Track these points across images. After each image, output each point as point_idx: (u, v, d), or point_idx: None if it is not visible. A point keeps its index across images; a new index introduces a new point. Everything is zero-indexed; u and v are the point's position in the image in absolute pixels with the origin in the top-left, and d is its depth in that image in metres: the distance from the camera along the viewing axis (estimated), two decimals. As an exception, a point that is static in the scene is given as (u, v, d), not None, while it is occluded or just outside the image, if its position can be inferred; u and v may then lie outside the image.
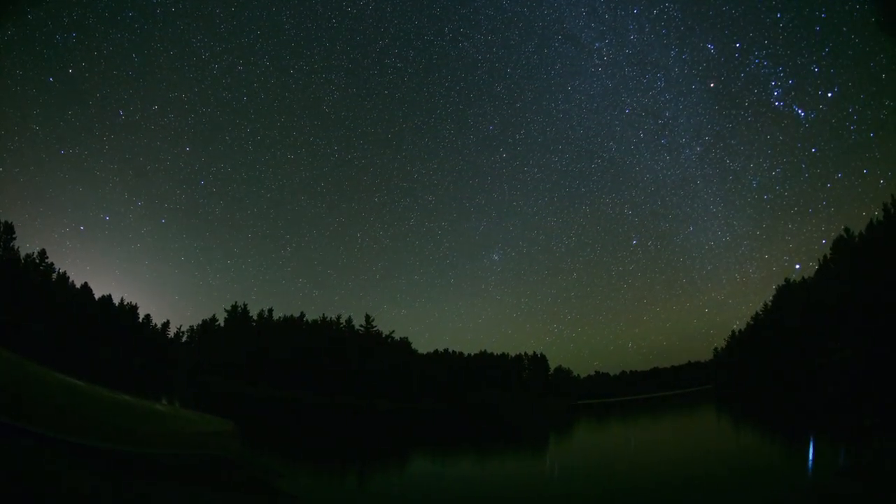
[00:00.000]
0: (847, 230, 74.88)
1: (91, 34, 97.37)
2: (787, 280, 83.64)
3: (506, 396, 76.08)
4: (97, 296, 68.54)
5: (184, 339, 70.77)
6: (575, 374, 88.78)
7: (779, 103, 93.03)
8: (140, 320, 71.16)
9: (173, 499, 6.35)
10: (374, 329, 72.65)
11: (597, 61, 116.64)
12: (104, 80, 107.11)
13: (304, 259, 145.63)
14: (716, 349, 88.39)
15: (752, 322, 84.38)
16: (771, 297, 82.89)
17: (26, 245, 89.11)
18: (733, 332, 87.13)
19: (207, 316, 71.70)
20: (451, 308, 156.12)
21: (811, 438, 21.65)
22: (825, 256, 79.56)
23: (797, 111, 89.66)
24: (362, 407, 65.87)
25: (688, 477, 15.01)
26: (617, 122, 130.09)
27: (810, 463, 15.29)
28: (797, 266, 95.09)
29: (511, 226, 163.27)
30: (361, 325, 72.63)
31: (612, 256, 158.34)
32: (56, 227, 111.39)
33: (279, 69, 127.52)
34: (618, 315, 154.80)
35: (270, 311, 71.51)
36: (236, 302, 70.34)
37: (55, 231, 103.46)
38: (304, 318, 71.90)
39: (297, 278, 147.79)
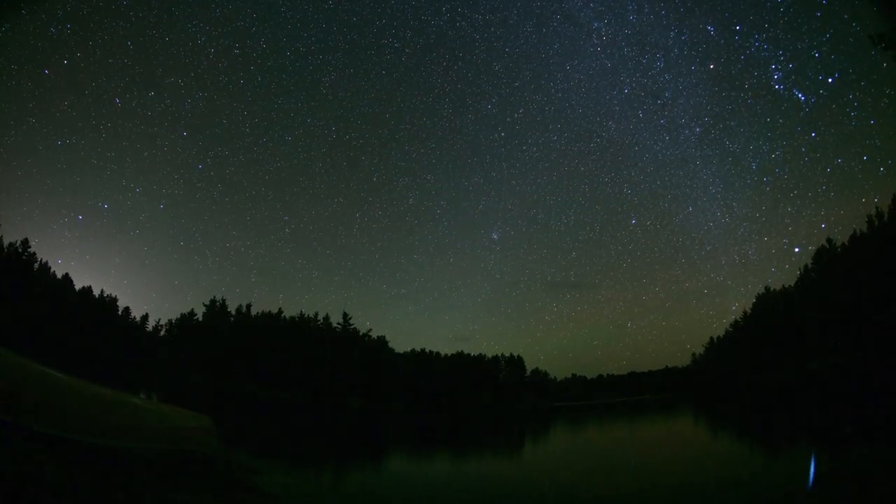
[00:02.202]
0: (829, 240, 74.93)
1: (85, 24, 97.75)
2: (767, 288, 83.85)
3: (482, 398, 76.26)
4: (92, 289, 69.13)
5: (162, 332, 71.08)
6: (552, 376, 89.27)
7: (779, 86, 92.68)
8: (119, 313, 71.37)
9: (150, 494, 6.45)
10: (352, 327, 72.95)
11: (595, 41, 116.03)
12: (100, 69, 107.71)
13: (303, 240, 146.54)
14: (694, 355, 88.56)
15: (730, 329, 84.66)
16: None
17: (24, 236, 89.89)
18: (711, 338, 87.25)
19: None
20: (449, 288, 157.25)
21: (790, 446, 21.87)
22: (806, 266, 79.69)
23: (797, 95, 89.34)
24: (338, 405, 66.31)
25: (667, 485, 15.50)
26: (616, 102, 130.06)
27: (789, 470, 15.71)
28: (796, 249, 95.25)
29: (510, 205, 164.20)
30: (339, 323, 72.96)
31: (611, 236, 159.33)
32: (54, 217, 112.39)
33: (276, 51, 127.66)
34: (617, 295, 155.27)
35: (248, 306, 72.12)
36: (215, 296, 70.91)
37: (53, 222, 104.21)
38: (282, 315, 72.21)
39: (296, 259, 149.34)
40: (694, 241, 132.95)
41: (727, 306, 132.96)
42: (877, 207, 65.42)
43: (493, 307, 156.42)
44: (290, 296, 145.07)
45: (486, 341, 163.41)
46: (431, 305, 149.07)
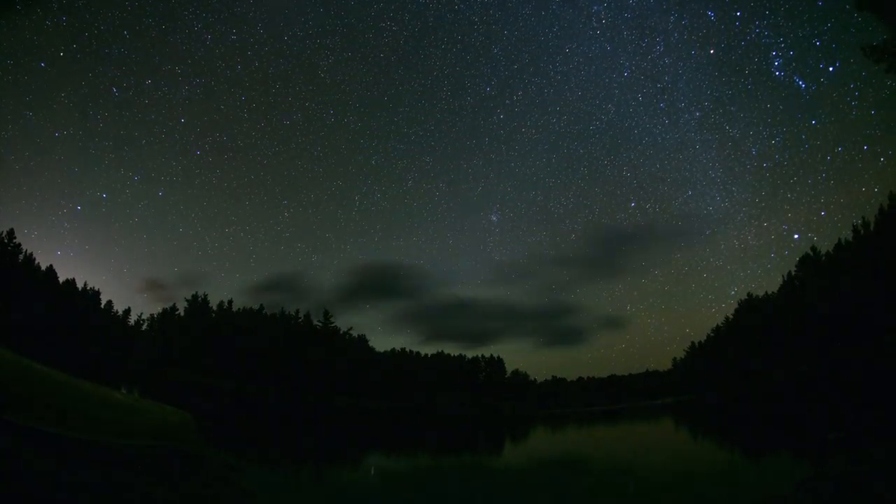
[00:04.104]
0: (814, 248, 75.05)
1: (81, 15, 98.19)
2: (749, 294, 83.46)
3: (460, 399, 75.85)
4: (75, 281, 69.26)
5: (143, 327, 71.05)
6: (532, 377, 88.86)
7: (779, 73, 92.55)
8: (102, 306, 71.36)
9: (129, 489, 6.57)
10: (332, 325, 72.73)
11: (595, 24, 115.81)
12: (96, 59, 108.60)
13: (302, 224, 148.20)
14: (675, 359, 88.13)
15: (712, 334, 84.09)
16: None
17: (24, 230, 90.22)
18: (693, 343, 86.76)
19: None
20: (449, 271, 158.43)
21: (772, 451, 21.63)
22: (790, 273, 79.72)
23: (798, 82, 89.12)
24: (318, 403, 66.08)
25: (650, 489, 15.56)
26: (615, 85, 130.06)
27: (772, 475, 15.86)
28: (796, 236, 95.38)
29: (509, 187, 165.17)
30: (319, 321, 72.80)
31: (610, 218, 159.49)
32: (53, 209, 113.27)
33: (273, 36, 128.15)
34: (616, 277, 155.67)
35: (230, 302, 72.20)
36: (196, 291, 70.77)
37: (53, 213, 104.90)
38: (263, 311, 72.11)
39: (296, 243, 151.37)
40: (693, 225, 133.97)
41: (726, 290, 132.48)
42: (863, 218, 65.66)
43: (493, 289, 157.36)
44: (289, 279, 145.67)
45: (485, 324, 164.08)
46: (430, 287, 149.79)
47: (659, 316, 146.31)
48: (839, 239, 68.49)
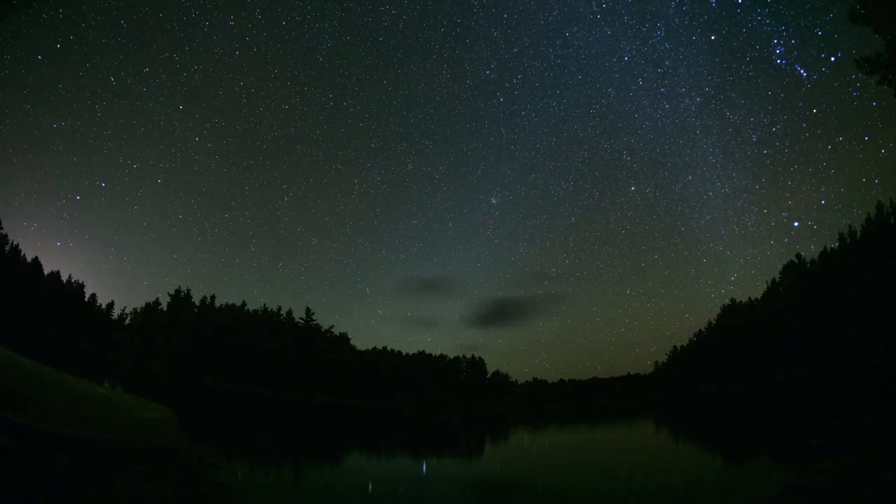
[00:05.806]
0: (798, 256, 74.83)
1: (77, 7, 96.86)
2: (732, 300, 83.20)
3: (442, 398, 76.09)
4: (60, 274, 69.33)
5: (127, 321, 71.19)
6: (513, 378, 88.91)
7: (781, 61, 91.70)
8: (86, 299, 71.54)
9: (108, 484, 6.54)
10: (314, 322, 72.88)
11: (595, 8, 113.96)
12: (93, 49, 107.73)
13: (302, 208, 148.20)
14: (657, 363, 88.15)
15: (694, 339, 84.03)
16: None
17: (23, 223, 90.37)
18: (675, 347, 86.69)
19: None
20: (448, 254, 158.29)
21: (754, 457, 21.62)
22: (774, 280, 79.66)
23: (799, 70, 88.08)
24: (299, 400, 66.41)
25: (633, 494, 15.31)
26: (616, 70, 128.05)
27: (753, 480, 15.69)
28: (795, 223, 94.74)
29: (509, 170, 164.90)
30: (301, 318, 72.91)
31: (610, 202, 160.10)
32: (52, 199, 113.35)
33: (271, 21, 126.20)
34: (616, 261, 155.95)
35: (213, 297, 72.28)
36: (179, 287, 70.97)
37: (52, 205, 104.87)
38: (246, 308, 72.27)
39: (295, 227, 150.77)
40: (693, 211, 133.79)
41: (726, 277, 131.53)
42: (850, 226, 65.65)
43: (492, 274, 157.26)
44: (288, 264, 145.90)
45: (484, 308, 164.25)
46: (430, 273, 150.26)
47: (658, 300, 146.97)
48: (825, 247, 68.25)
